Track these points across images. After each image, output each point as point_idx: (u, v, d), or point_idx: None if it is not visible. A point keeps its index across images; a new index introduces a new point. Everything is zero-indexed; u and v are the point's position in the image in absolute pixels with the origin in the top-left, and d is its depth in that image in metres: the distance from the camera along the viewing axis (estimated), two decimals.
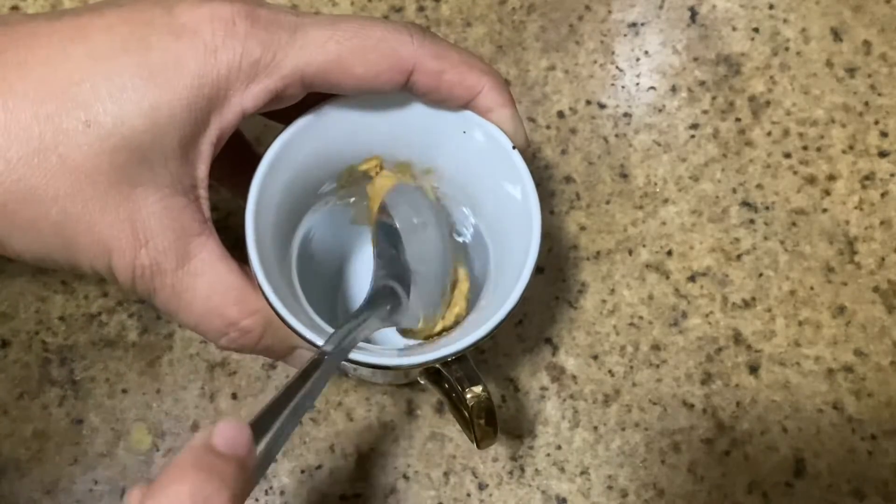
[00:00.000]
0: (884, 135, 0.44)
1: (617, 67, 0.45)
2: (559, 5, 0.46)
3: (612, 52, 0.45)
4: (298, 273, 0.34)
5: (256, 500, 0.38)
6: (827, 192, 0.43)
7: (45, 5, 0.45)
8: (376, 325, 0.31)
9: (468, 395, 0.30)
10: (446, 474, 0.38)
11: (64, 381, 0.39)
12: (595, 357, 0.40)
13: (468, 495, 0.38)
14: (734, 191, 0.43)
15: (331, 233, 0.37)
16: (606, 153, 0.43)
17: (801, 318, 0.41)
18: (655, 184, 0.43)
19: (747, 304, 0.41)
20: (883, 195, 0.43)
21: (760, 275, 0.41)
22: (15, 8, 0.45)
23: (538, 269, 0.41)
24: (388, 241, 0.33)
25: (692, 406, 0.40)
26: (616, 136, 0.44)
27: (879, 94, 0.44)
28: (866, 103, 0.44)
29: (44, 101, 0.27)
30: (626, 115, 0.44)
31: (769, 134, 0.44)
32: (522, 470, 0.38)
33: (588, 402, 0.39)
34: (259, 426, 0.24)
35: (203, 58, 0.27)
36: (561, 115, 0.44)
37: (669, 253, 0.42)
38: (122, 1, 0.29)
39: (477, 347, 0.30)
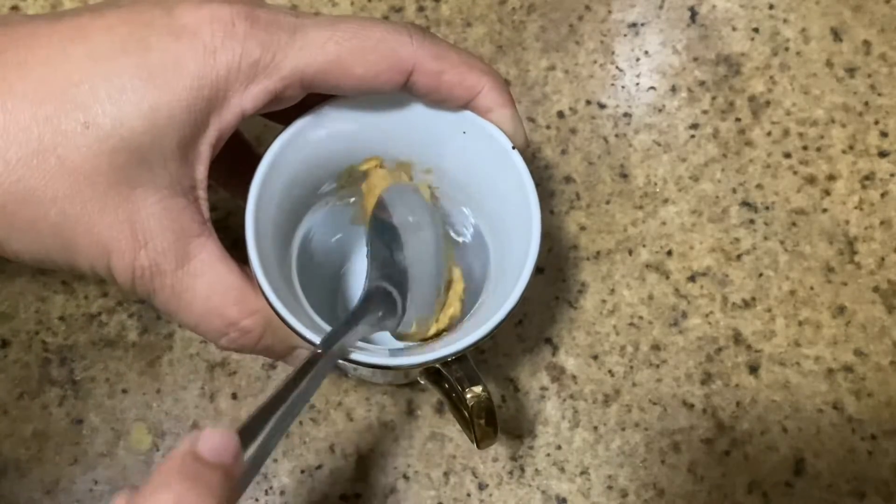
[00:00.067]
0: (884, 135, 0.44)
1: (617, 67, 0.45)
2: (559, 5, 0.46)
3: (612, 52, 0.45)
4: (298, 273, 0.34)
5: (256, 500, 0.38)
6: (827, 192, 0.43)
7: (45, 5, 0.45)
8: (370, 329, 0.31)
9: (468, 395, 0.30)
10: (446, 474, 0.38)
11: (64, 381, 0.39)
12: (595, 357, 0.40)
13: (468, 495, 0.38)
14: (734, 191, 0.43)
15: (331, 233, 0.37)
16: (606, 153, 0.43)
17: (801, 318, 0.41)
18: (655, 184, 0.43)
19: (747, 304, 0.41)
20: (883, 195, 0.43)
21: (760, 275, 0.41)
22: (15, 8, 0.45)
23: (538, 269, 0.41)
24: (383, 241, 0.33)
25: (692, 406, 0.40)
26: (616, 136, 0.44)
27: (879, 94, 0.44)
28: (866, 103, 0.44)
29: (43, 102, 0.27)
30: (626, 115, 0.44)
31: (769, 134, 0.44)
32: (522, 470, 0.38)
33: (588, 402, 0.39)
34: (247, 432, 0.24)
35: (202, 59, 0.27)
36: (561, 115, 0.44)
37: (669, 253, 0.42)
38: (121, 2, 0.29)
39: (477, 347, 0.30)
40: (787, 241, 0.42)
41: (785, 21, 0.46)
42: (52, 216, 0.27)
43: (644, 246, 0.42)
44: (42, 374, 0.39)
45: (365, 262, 0.34)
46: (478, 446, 0.32)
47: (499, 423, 0.31)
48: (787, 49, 0.45)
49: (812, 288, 0.41)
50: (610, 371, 0.40)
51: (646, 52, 0.45)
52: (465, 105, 0.31)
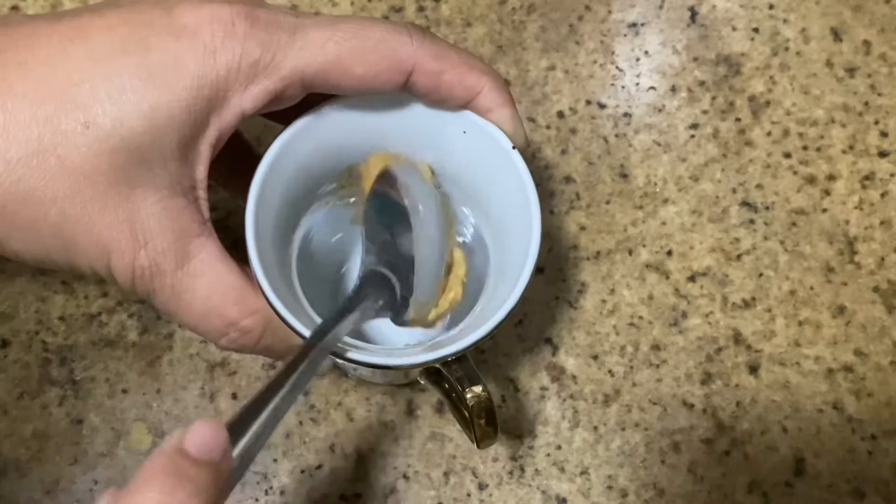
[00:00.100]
0: (884, 135, 0.44)
1: (617, 67, 0.45)
2: (559, 5, 0.46)
3: (612, 52, 0.45)
4: (298, 273, 0.34)
5: (256, 500, 0.38)
6: (827, 192, 0.43)
7: (45, 5, 0.45)
8: (366, 316, 0.30)
9: (468, 395, 0.30)
10: (446, 474, 0.38)
11: (64, 381, 0.39)
12: (595, 357, 0.40)
13: (468, 495, 0.38)
14: (734, 191, 0.43)
15: (331, 233, 0.37)
16: (606, 153, 0.43)
17: (801, 318, 0.41)
18: (655, 184, 0.43)
19: (747, 304, 0.41)
20: (883, 195, 0.43)
21: (760, 275, 0.41)
22: (15, 8, 0.45)
23: (538, 269, 0.41)
24: (381, 223, 0.32)
25: (692, 406, 0.40)
26: (616, 136, 0.44)
27: (879, 94, 0.44)
28: (866, 103, 0.44)
29: (43, 102, 0.27)
30: (626, 115, 0.44)
31: (769, 134, 0.44)
32: (522, 470, 0.38)
33: (588, 402, 0.39)
34: (237, 427, 0.23)
35: (202, 59, 0.27)
36: (561, 115, 0.44)
37: (669, 253, 0.42)
38: (122, 2, 0.29)
39: (477, 347, 0.30)
40: (787, 241, 0.42)
41: (785, 21, 0.46)
42: (52, 216, 0.27)
43: (644, 246, 0.42)
44: (42, 374, 0.39)
45: None
46: (478, 446, 0.32)
47: (499, 423, 0.31)
48: (787, 49, 0.45)
49: (812, 288, 0.41)
50: (610, 371, 0.40)
51: (646, 52, 0.45)
52: (465, 105, 0.31)
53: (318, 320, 0.32)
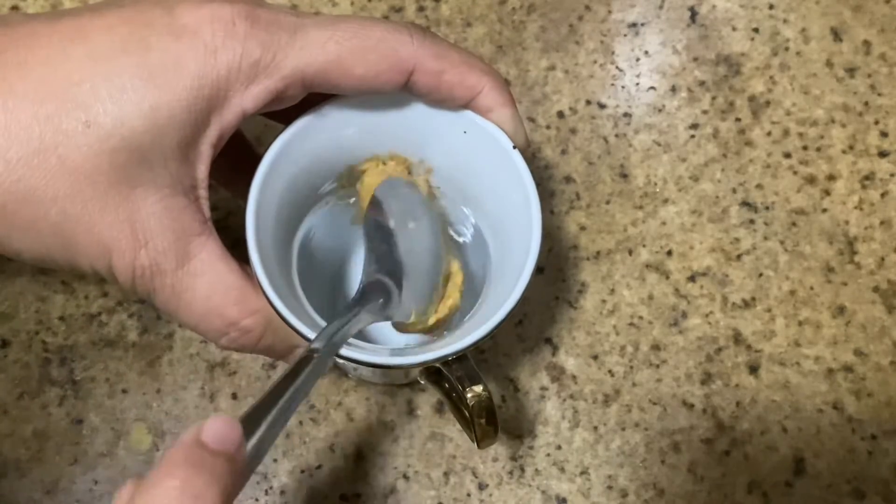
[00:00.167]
0: (884, 135, 0.44)
1: (617, 67, 0.45)
2: (559, 5, 0.46)
3: (612, 52, 0.45)
4: (299, 273, 0.34)
5: (256, 500, 0.38)
6: (827, 192, 0.43)
7: (45, 5, 0.45)
8: (368, 320, 0.30)
9: (469, 395, 0.30)
10: (446, 474, 0.38)
11: (64, 381, 0.39)
12: (595, 357, 0.40)
13: (468, 495, 0.38)
14: (734, 191, 0.43)
15: (331, 233, 0.37)
16: (606, 153, 0.43)
17: (801, 318, 0.41)
18: (655, 184, 0.43)
19: (747, 304, 0.41)
20: (883, 195, 0.43)
21: (760, 275, 0.41)
22: (15, 8, 0.45)
23: (538, 269, 0.41)
24: (379, 236, 0.33)
25: (692, 406, 0.40)
26: (616, 136, 0.44)
27: (879, 94, 0.44)
28: (866, 103, 0.44)
29: (44, 101, 0.27)
30: (626, 115, 0.44)
31: (769, 134, 0.44)
32: (522, 470, 0.38)
33: (588, 402, 0.39)
34: (250, 422, 0.24)
35: (203, 59, 0.27)
36: (561, 115, 0.44)
37: (669, 253, 0.42)
38: (122, 1, 0.29)
39: (477, 347, 0.30)
40: (787, 241, 0.42)
41: (785, 21, 0.46)
42: (52, 215, 0.27)
43: (644, 246, 0.42)
44: (42, 374, 0.39)
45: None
46: (478, 446, 0.32)
47: (499, 423, 0.31)
48: (787, 49, 0.45)
49: (812, 288, 0.41)
50: (610, 371, 0.40)
51: (646, 52, 0.45)
52: (466, 105, 0.31)
53: (319, 320, 0.32)
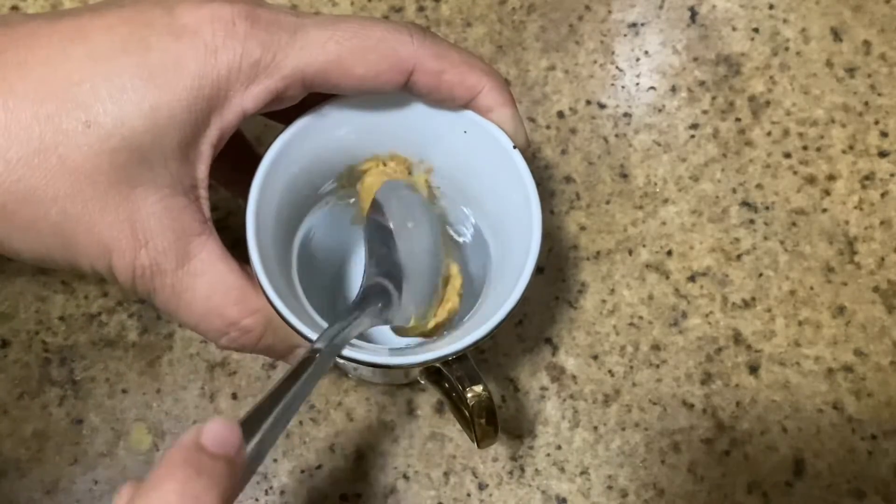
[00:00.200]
0: (884, 135, 0.44)
1: (617, 67, 0.45)
2: (559, 5, 0.46)
3: (612, 52, 0.45)
4: (299, 273, 0.34)
5: (256, 500, 0.38)
6: (827, 192, 0.43)
7: (45, 5, 0.45)
8: (368, 323, 0.31)
9: (469, 395, 0.30)
10: (446, 474, 0.38)
11: (64, 381, 0.39)
12: (595, 357, 0.40)
13: (468, 495, 0.38)
14: (734, 191, 0.43)
15: (331, 233, 0.37)
16: (606, 153, 0.43)
17: (801, 318, 0.41)
18: (655, 184, 0.43)
19: (747, 304, 0.41)
20: (883, 195, 0.43)
21: (760, 275, 0.41)
22: (15, 8, 0.45)
23: (538, 269, 0.41)
24: (380, 238, 0.33)
25: (692, 406, 0.40)
26: (616, 136, 0.44)
27: (879, 94, 0.44)
28: (866, 103, 0.44)
29: (44, 101, 0.27)
30: (626, 115, 0.44)
31: (769, 134, 0.44)
32: (522, 470, 0.38)
33: (588, 402, 0.39)
34: (249, 424, 0.24)
35: (203, 58, 0.27)
36: (561, 115, 0.44)
37: (669, 253, 0.42)
38: (122, 1, 0.29)
39: (477, 347, 0.30)
40: (787, 241, 0.42)
41: (785, 21, 0.46)
42: (52, 215, 0.27)
43: (644, 246, 0.42)
44: (42, 374, 0.39)
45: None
46: (478, 446, 0.32)
47: (499, 423, 0.31)
48: (787, 49, 0.45)
49: (812, 288, 0.41)
50: (610, 371, 0.40)
51: (646, 52, 0.45)
52: (466, 105, 0.31)
53: (319, 319, 0.32)
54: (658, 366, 0.40)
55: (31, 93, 0.27)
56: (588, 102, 0.44)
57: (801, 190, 0.43)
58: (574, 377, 0.40)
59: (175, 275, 0.29)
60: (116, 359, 0.39)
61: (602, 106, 0.44)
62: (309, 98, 0.31)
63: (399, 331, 0.34)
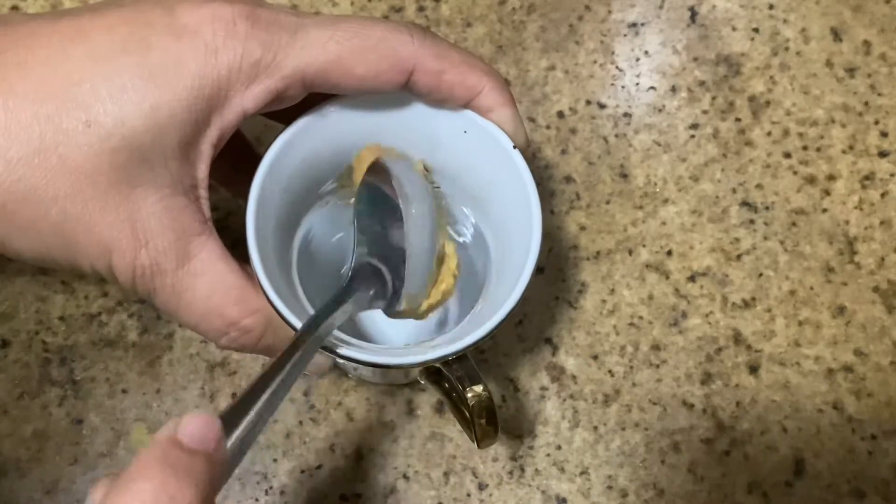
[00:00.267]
0: (884, 135, 0.44)
1: (617, 67, 0.45)
2: (559, 5, 0.46)
3: (612, 52, 0.45)
4: (299, 273, 0.34)
5: (256, 500, 0.38)
6: (827, 192, 0.43)
7: (45, 5, 0.45)
8: (358, 307, 0.30)
9: (469, 395, 0.30)
10: (446, 474, 0.38)
11: (64, 381, 0.39)
12: (595, 357, 0.40)
13: (468, 495, 0.38)
14: (734, 191, 0.43)
15: (331, 232, 0.37)
16: (606, 153, 0.43)
17: (801, 318, 0.41)
18: (655, 184, 0.43)
19: (747, 304, 0.41)
20: (883, 195, 0.43)
21: (760, 275, 0.41)
22: (15, 8, 0.45)
23: (538, 269, 0.41)
24: (373, 214, 0.32)
25: (692, 406, 0.40)
26: (616, 136, 0.44)
27: (879, 94, 0.44)
28: (866, 103, 0.44)
29: (44, 101, 0.27)
30: (626, 115, 0.44)
31: (769, 134, 0.44)
32: (522, 470, 0.38)
33: (588, 402, 0.39)
34: (230, 418, 0.23)
35: (203, 58, 0.27)
36: (561, 115, 0.44)
37: (669, 253, 0.42)
38: (122, 1, 0.29)
39: (477, 347, 0.30)
40: (787, 241, 0.42)
41: (785, 21, 0.46)
42: (53, 215, 0.27)
43: (644, 246, 0.42)
44: (42, 374, 0.39)
45: None
46: (478, 446, 0.32)
47: (499, 423, 0.31)
48: (787, 49, 0.45)
49: (812, 288, 0.41)
50: (610, 371, 0.40)
51: (646, 52, 0.45)
52: (466, 104, 0.31)
53: None
54: (658, 366, 0.40)
55: (31, 93, 0.27)
56: (588, 102, 0.44)
57: (801, 190, 0.43)
58: (574, 377, 0.40)
59: (175, 275, 0.29)
60: (116, 359, 0.39)
61: (602, 106, 0.44)
62: (309, 98, 0.31)
63: (391, 313, 0.33)
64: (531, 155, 0.43)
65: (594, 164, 0.43)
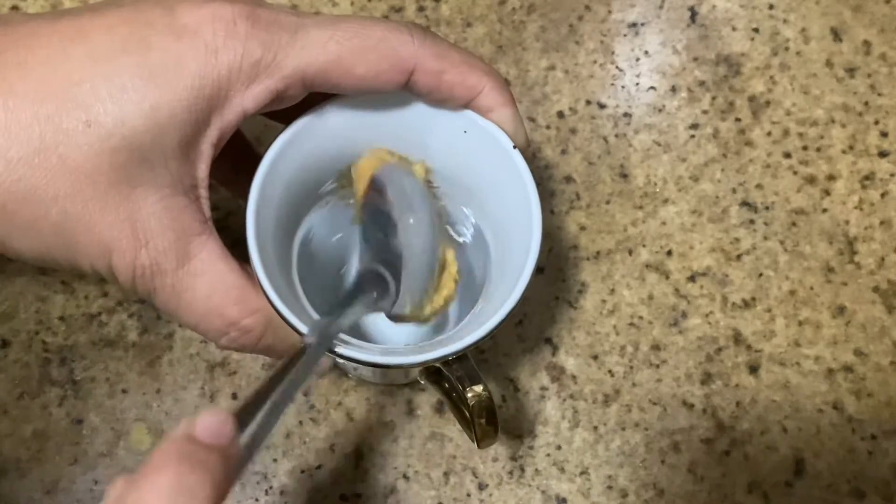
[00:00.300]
0: (884, 135, 0.44)
1: (617, 67, 0.45)
2: (559, 5, 0.46)
3: (612, 52, 0.45)
4: (299, 273, 0.34)
5: (256, 500, 0.38)
6: (827, 192, 0.43)
7: (45, 5, 0.45)
8: (363, 312, 0.30)
9: (469, 395, 0.30)
10: (446, 474, 0.38)
11: (64, 381, 0.39)
12: (595, 357, 0.40)
13: (468, 495, 0.38)
14: (734, 191, 0.43)
15: (331, 232, 0.37)
16: (606, 153, 0.43)
17: (801, 318, 0.41)
18: (655, 184, 0.43)
19: (747, 304, 0.41)
20: (883, 195, 0.43)
21: (760, 275, 0.41)
22: (15, 8, 0.45)
23: (538, 269, 0.41)
24: (376, 223, 0.33)
25: (692, 406, 0.40)
26: (616, 136, 0.44)
27: (879, 94, 0.44)
28: (866, 103, 0.44)
29: (44, 101, 0.27)
30: (626, 115, 0.44)
31: (769, 134, 0.44)
32: (522, 470, 0.38)
33: (588, 402, 0.39)
34: (243, 416, 0.24)
35: (204, 58, 0.27)
36: (561, 115, 0.44)
37: (669, 253, 0.42)
38: (122, 1, 0.29)
39: (477, 347, 0.30)
40: (787, 241, 0.42)
41: (785, 21, 0.46)
42: (53, 215, 0.27)
43: (644, 246, 0.42)
44: (42, 374, 0.39)
45: None
46: (478, 446, 0.32)
47: (499, 423, 0.31)
48: (787, 49, 0.45)
49: (812, 288, 0.41)
50: (610, 371, 0.40)
51: (646, 52, 0.45)
52: (466, 104, 0.31)
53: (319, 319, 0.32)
54: (658, 366, 0.40)
55: (31, 93, 0.27)
56: (588, 102, 0.44)
57: (801, 190, 0.43)
58: (574, 377, 0.40)
59: (175, 275, 0.29)
60: (116, 359, 0.39)
61: (602, 106, 0.44)
62: (309, 98, 0.31)
63: (394, 318, 0.33)
64: (531, 155, 0.43)
65: (594, 164, 0.43)
